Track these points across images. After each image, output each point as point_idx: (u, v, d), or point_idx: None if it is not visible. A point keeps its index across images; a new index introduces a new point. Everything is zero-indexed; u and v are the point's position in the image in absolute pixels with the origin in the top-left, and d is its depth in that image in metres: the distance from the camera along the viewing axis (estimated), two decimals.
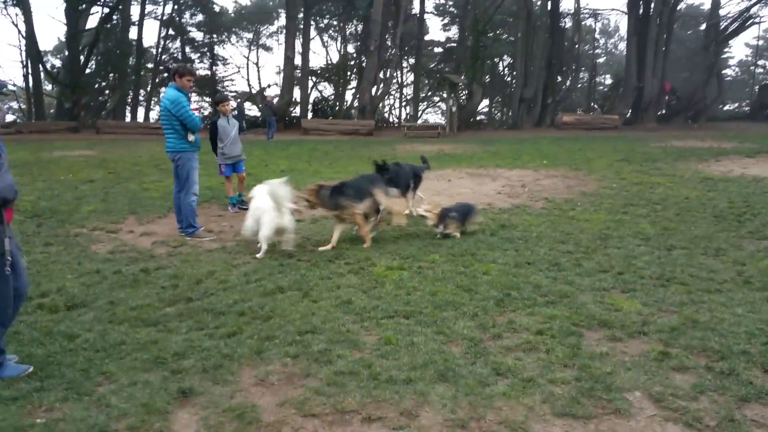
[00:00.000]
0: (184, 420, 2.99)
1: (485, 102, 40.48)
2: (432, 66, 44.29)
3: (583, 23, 42.07)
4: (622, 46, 42.46)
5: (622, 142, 19.61)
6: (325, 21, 41.19)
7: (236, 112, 29.75)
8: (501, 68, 42.93)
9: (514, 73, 35.58)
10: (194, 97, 30.98)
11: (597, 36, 48.63)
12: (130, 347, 3.78)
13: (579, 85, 43.36)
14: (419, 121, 35.01)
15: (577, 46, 41.25)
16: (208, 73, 39.67)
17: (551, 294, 4.73)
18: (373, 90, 30.68)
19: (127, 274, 5.35)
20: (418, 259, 5.82)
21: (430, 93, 46.48)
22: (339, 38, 42.21)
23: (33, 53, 32.42)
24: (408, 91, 45.51)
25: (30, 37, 31.50)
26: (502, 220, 7.54)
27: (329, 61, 41.97)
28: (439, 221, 6.55)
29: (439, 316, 4.33)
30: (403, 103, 45.62)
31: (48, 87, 38.95)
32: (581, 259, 5.70)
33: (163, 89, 38.62)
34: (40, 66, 33.22)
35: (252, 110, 35.18)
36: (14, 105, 43.83)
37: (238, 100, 34.35)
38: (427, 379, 3.37)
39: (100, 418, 2.92)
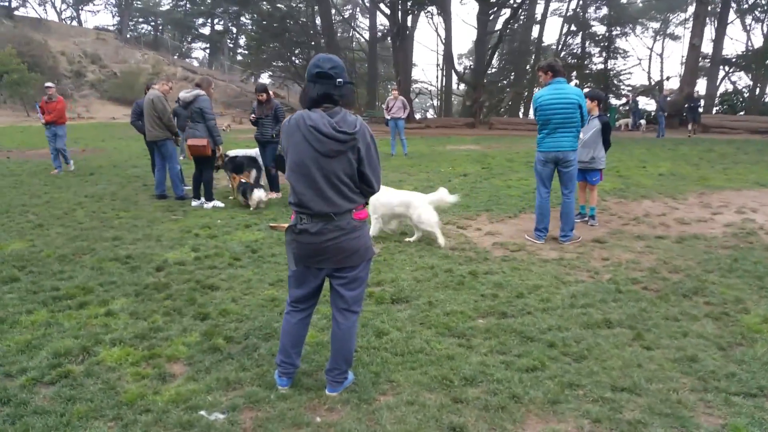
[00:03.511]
0: None
1: None
2: None
3: None
4: None
5: None
6: (751, 0, 34.60)
7: (627, 108, 27.67)
8: None
9: None
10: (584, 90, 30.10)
11: None
12: (426, 358, 3.58)
13: None
14: None
15: None
16: (602, 67, 38.20)
17: None
18: None
19: (456, 274, 5.25)
20: None
21: None
22: (766, 19, 34.95)
23: (448, 56, 37.07)
24: None
25: (447, 42, 36.07)
26: None
27: (749, 47, 35.24)
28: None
29: None
30: None
31: (457, 87, 44.09)
32: None
33: None
34: (453, 68, 37.71)
35: (649, 104, 32.18)
36: (433, 103, 51.50)
37: (630, 94, 31.90)
38: None
39: None
